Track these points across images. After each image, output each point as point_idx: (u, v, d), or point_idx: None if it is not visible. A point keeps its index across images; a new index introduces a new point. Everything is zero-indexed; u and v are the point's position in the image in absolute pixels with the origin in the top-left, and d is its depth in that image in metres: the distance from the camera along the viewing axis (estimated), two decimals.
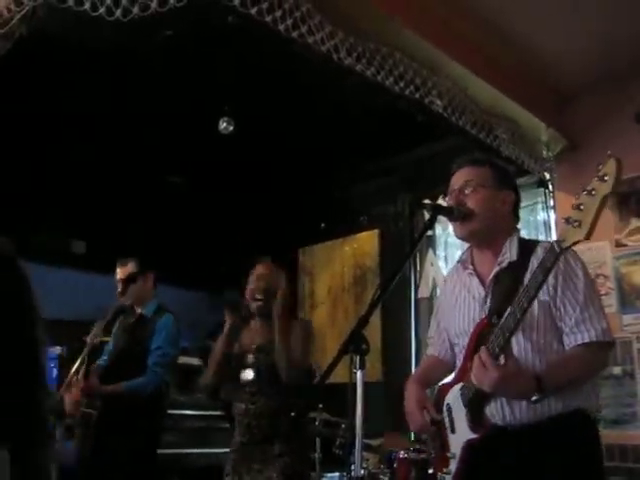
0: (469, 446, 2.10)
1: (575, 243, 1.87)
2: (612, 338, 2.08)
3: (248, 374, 3.09)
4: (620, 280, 4.17)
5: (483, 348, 1.99)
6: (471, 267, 2.29)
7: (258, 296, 3.20)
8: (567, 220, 1.87)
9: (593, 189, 1.84)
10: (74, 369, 3.65)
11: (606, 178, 1.82)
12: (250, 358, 3.14)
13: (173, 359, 4.11)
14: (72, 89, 4.46)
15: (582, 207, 1.85)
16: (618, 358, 4.01)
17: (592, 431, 2.10)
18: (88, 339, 3.81)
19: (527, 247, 2.09)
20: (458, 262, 2.40)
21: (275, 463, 2.96)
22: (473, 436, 2.09)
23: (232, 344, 3.18)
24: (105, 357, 4.07)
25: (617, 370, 4.02)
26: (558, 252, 1.90)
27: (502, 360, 1.99)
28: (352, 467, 1.81)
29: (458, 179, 2.28)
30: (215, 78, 4.37)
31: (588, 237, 1.84)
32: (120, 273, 4.07)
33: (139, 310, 4.10)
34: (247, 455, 3.03)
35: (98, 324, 3.88)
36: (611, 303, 4.08)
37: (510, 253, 2.17)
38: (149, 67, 4.27)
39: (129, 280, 3.94)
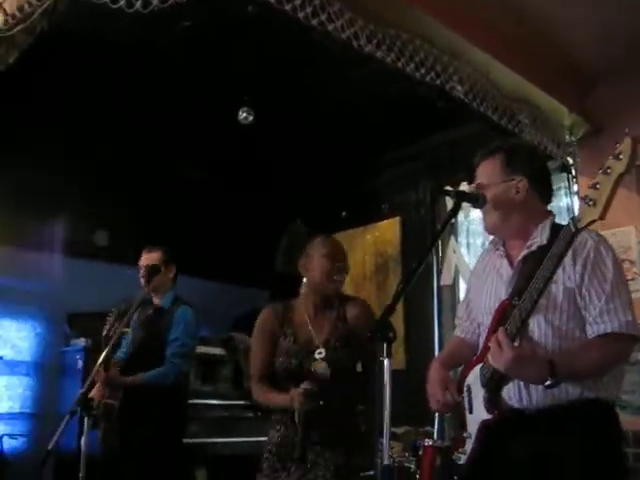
0: (484, 427, 2.10)
1: (591, 223, 1.85)
2: (637, 332, 2.04)
3: (323, 373, 2.75)
4: None
5: (501, 328, 1.98)
6: (502, 248, 2.29)
7: (338, 277, 2.90)
8: (584, 199, 1.86)
9: (608, 168, 1.83)
10: (100, 360, 3.67)
11: (621, 157, 1.82)
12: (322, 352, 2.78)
13: (191, 350, 4.14)
14: (93, 83, 4.48)
15: (598, 186, 1.83)
16: None
17: (611, 418, 2.09)
18: (108, 330, 3.82)
19: (559, 231, 2.03)
20: (490, 243, 2.40)
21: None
22: (488, 417, 2.09)
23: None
24: (124, 349, 4.10)
25: None
26: (574, 231, 1.88)
27: (518, 342, 1.98)
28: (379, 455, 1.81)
29: (478, 174, 2.29)
30: (234, 68, 4.37)
31: (602, 216, 1.82)
32: (144, 259, 4.10)
33: (156, 301, 4.12)
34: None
35: (120, 315, 3.89)
36: (637, 288, 4.03)
37: (541, 237, 2.15)
38: (168, 59, 4.28)
39: (153, 271, 3.96)
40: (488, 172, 2.25)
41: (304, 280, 2.95)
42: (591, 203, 1.83)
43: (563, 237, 1.91)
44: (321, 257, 2.88)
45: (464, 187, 4.62)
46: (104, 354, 3.56)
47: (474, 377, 2.18)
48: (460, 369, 2.34)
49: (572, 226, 1.89)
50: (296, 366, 2.76)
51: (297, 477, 2.70)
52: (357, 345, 2.81)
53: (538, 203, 2.26)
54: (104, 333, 3.79)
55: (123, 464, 3.76)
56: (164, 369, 3.87)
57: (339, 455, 2.69)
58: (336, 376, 2.72)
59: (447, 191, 2.45)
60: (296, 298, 2.99)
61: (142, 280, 4.04)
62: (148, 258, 4.09)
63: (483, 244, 5.16)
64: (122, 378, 3.78)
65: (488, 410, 2.09)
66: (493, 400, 2.09)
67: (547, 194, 2.30)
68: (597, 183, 1.83)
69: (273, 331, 2.89)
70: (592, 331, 2.04)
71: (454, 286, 5.39)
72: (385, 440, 1.83)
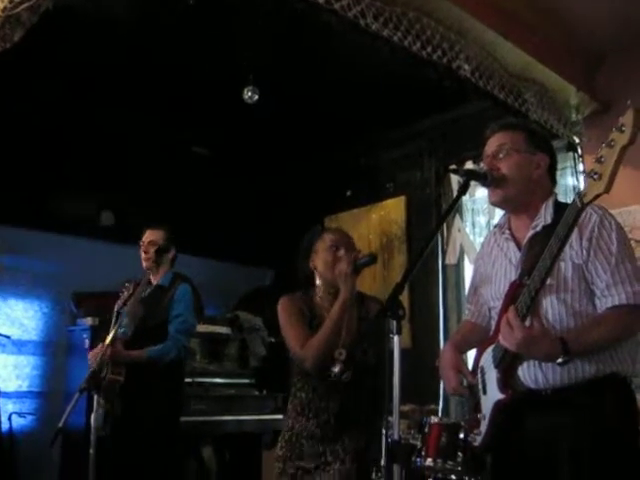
0: (498, 407, 2.10)
1: (596, 197, 1.84)
2: None
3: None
4: None
5: (511, 308, 1.99)
6: (508, 232, 2.28)
7: (341, 265, 2.83)
8: (589, 174, 1.85)
9: (612, 140, 1.81)
10: (110, 337, 3.69)
11: (624, 129, 1.80)
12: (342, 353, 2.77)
13: (193, 327, 4.18)
14: (97, 61, 4.47)
15: (602, 159, 1.82)
16: None
17: (627, 392, 2.09)
18: (120, 307, 3.85)
19: (562, 210, 2.03)
20: (495, 227, 2.39)
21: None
22: (501, 396, 2.09)
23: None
24: (124, 327, 4.12)
25: None
26: (579, 207, 1.88)
27: (529, 321, 1.98)
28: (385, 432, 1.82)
29: (492, 144, 2.25)
30: (238, 47, 4.34)
31: (608, 190, 1.81)
32: (149, 235, 4.12)
33: (155, 280, 4.14)
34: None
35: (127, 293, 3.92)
36: None
37: (545, 217, 2.15)
38: (172, 37, 4.26)
39: (162, 250, 4.00)
40: (513, 139, 2.23)
41: (317, 278, 2.96)
42: (596, 177, 1.82)
43: (569, 213, 1.90)
44: (324, 250, 2.91)
45: (470, 166, 4.61)
46: (112, 332, 3.59)
47: (487, 358, 2.19)
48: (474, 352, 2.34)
49: (578, 201, 1.88)
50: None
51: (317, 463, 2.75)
52: (379, 342, 2.82)
53: (549, 183, 2.27)
54: (116, 309, 3.82)
55: (126, 439, 3.80)
56: (168, 345, 3.91)
57: (359, 442, 2.75)
58: (357, 378, 2.76)
59: (456, 169, 2.44)
60: (311, 293, 2.98)
61: (144, 256, 4.07)
62: (152, 234, 4.11)
63: (488, 224, 5.15)
64: (127, 353, 3.80)
65: (501, 390, 2.09)
66: (506, 380, 2.09)
67: (555, 177, 2.32)
68: (601, 156, 1.82)
69: (303, 311, 2.89)
70: (601, 305, 2.05)
71: (459, 265, 5.39)
72: (395, 415, 1.85)
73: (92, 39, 4.20)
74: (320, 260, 2.91)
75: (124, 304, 3.83)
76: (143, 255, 4.09)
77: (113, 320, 3.80)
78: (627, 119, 1.81)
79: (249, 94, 4.64)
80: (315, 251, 2.94)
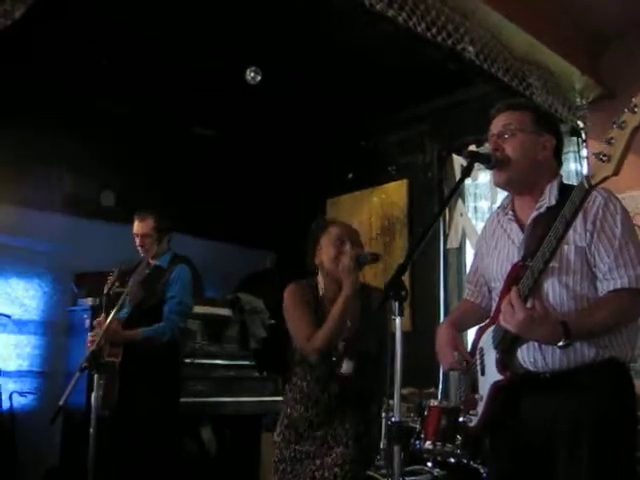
0: (495, 388, 2.09)
1: (604, 179, 1.81)
2: None
3: (347, 365, 2.81)
4: None
5: (514, 288, 1.97)
6: (511, 212, 2.26)
7: (344, 259, 2.84)
8: (597, 155, 1.81)
9: (624, 122, 1.77)
10: (111, 317, 3.69)
11: (636, 110, 1.76)
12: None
13: (189, 308, 4.18)
14: (97, 40, 4.44)
15: (612, 141, 1.78)
16: None
17: (625, 377, 2.07)
18: (109, 288, 3.84)
19: (567, 192, 2.00)
20: (499, 207, 2.36)
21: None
22: (499, 378, 2.08)
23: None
24: (125, 310, 4.12)
25: None
26: (587, 188, 1.85)
27: (530, 303, 1.96)
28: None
29: (497, 124, 2.22)
30: (242, 28, 4.31)
31: (617, 172, 1.78)
32: (137, 228, 4.10)
33: (154, 262, 4.14)
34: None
35: (121, 274, 3.91)
36: None
37: (549, 199, 2.12)
38: (174, 16, 4.22)
39: (161, 238, 4.03)
40: (518, 119, 2.19)
41: (322, 269, 2.97)
42: (605, 159, 1.78)
43: (576, 195, 1.88)
44: (329, 245, 2.91)
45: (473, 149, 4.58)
46: (113, 313, 3.58)
47: (486, 339, 2.18)
48: (474, 331, 2.33)
49: (585, 183, 1.85)
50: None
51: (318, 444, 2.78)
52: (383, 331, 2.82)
53: (554, 165, 2.24)
54: (105, 291, 3.81)
55: (124, 420, 3.82)
56: (162, 326, 3.93)
57: (359, 427, 2.79)
58: (361, 368, 2.80)
59: (461, 151, 2.42)
60: (316, 281, 3.00)
61: (141, 249, 4.08)
62: (142, 226, 4.09)
63: (490, 208, 5.14)
64: (124, 332, 3.82)
65: (500, 371, 2.08)
66: (505, 361, 2.08)
67: (561, 159, 2.28)
68: (612, 138, 1.78)
69: (309, 302, 2.91)
70: (603, 288, 2.03)
71: (461, 249, 5.38)
72: (396, 397, 1.85)
73: (92, 16, 4.17)
74: (325, 254, 2.92)
75: (112, 286, 3.82)
76: (140, 248, 4.10)
77: (110, 301, 3.79)
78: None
79: (252, 75, 4.62)
80: (320, 247, 2.95)
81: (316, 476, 2.73)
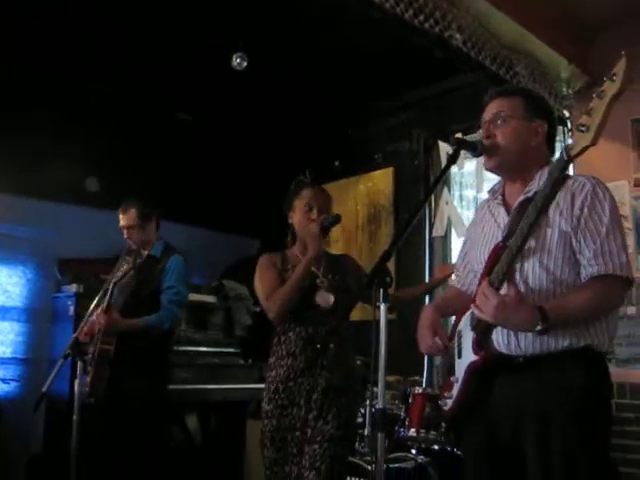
0: (470, 369, 2.10)
1: (583, 150, 1.84)
2: (631, 274, 2.02)
3: (328, 297, 2.93)
4: (639, 220, 4.12)
5: (485, 280, 1.99)
6: (500, 197, 2.27)
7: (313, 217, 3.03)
8: (577, 127, 1.84)
9: (602, 91, 1.81)
10: (93, 306, 3.67)
11: (615, 78, 1.79)
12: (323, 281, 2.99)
13: (185, 298, 4.18)
14: (83, 27, 4.39)
15: (592, 112, 1.82)
16: (633, 298, 4.00)
17: (600, 366, 2.07)
18: (111, 276, 3.83)
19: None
20: (489, 191, 2.38)
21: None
22: (474, 358, 2.09)
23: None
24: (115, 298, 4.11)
25: (631, 310, 4.01)
26: (566, 159, 1.87)
27: (505, 288, 1.97)
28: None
29: (489, 111, 2.23)
30: (228, 13, 4.27)
31: (594, 142, 1.81)
32: (122, 220, 4.09)
33: (146, 252, 4.12)
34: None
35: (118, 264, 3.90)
36: (629, 243, 4.03)
37: (539, 183, 2.12)
38: (162, 0, 4.18)
39: (144, 226, 4.01)
40: (510, 106, 2.20)
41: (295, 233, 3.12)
42: (584, 129, 1.81)
43: (555, 167, 1.92)
44: (300, 209, 3.05)
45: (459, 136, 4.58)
46: (107, 299, 3.57)
47: (465, 322, 2.19)
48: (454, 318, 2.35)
49: (564, 155, 1.87)
50: (301, 296, 2.91)
51: (305, 410, 2.84)
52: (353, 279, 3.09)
53: (546, 151, 2.25)
54: (114, 280, 3.78)
55: (115, 408, 3.80)
56: (163, 315, 3.93)
57: (335, 377, 2.89)
58: (339, 301, 2.94)
59: (447, 138, 2.44)
60: (289, 249, 3.14)
61: (129, 241, 4.09)
62: (127, 219, 4.08)
63: (475, 198, 5.15)
64: (124, 321, 3.80)
65: (475, 351, 2.08)
66: (481, 341, 2.08)
67: (554, 145, 2.30)
68: (591, 109, 1.82)
69: (277, 267, 3.03)
70: (586, 274, 2.02)
71: (446, 237, 5.40)
72: (380, 384, 1.85)
73: (79, 6, 4.11)
74: (296, 218, 3.07)
75: (123, 277, 3.81)
76: (127, 241, 4.09)
77: (103, 290, 3.77)
78: (619, 68, 1.81)
79: (238, 61, 4.59)
80: (293, 208, 3.09)
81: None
